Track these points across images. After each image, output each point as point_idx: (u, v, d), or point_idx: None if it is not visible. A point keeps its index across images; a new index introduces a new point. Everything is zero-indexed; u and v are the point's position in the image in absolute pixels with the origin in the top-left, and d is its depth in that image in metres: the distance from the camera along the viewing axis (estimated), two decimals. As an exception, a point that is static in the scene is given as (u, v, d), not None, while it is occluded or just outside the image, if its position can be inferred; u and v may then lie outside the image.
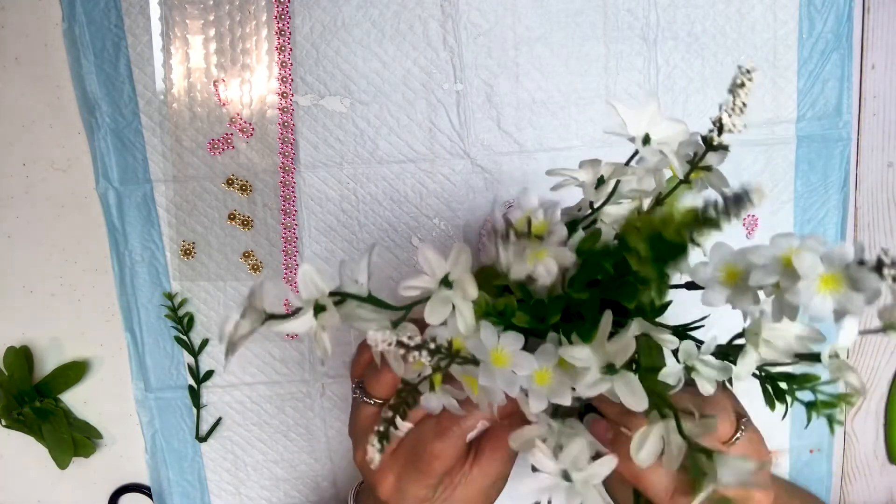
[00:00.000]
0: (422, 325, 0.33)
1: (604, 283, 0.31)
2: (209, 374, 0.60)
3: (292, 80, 0.56)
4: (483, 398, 0.32)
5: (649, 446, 0.31)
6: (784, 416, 0.35)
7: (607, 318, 0.30)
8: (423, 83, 0.55)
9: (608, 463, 0.31)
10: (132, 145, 0.57)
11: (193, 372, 0.60)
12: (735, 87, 0.29)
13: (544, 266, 0.30)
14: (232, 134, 0.56)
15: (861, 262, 0.26)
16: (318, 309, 0.30)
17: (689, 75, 0.55)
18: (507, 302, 0.32)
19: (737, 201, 0.26)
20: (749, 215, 0.57)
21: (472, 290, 0.32)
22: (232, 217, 0.58)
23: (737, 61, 0.55)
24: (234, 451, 0.62)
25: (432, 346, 0.28)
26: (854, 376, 0.32)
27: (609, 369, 0.31)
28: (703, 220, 0.27)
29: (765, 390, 0.36)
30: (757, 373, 0.36)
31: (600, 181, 0.34)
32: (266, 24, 0.55)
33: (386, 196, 0.57)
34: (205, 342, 0.60)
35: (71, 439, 0.60)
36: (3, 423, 0.60)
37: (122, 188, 0.57)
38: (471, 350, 0.31)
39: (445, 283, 0.31)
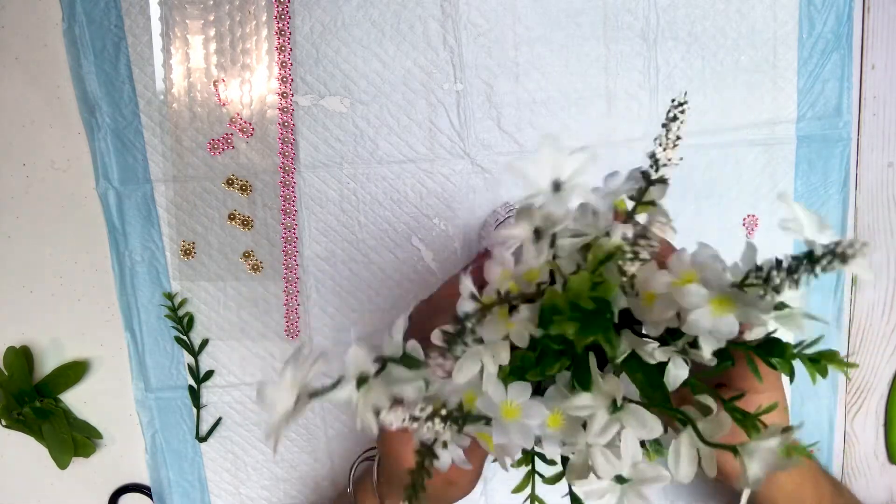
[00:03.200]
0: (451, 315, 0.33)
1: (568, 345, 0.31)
2: (209, 374, 0.60)
3: (292, 80, 0.56)
4: (500, 454, 0.32)
5: (684, 459, 0.31)
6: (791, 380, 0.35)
7: (592, 362, 0.31)
8: (423, 83, 0.55)
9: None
10: (132, 145, 0.57)
11: (193, 372, 0.60)
12: (668, 122, 0.30)
13: (517, 334, 0.30)
14: (232, 134, 0.56)
15: (742, 284, 0.26)
16: (361, 381, 0.30)
17: (689, 75, 0.55)
18: (523, 355, 0.32)
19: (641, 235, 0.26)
20: (749, 215, 0.57)
21: (505, 355, 0.31)
22: (232, 217, 0.58)
23: (737, 61, 0.55)
24: (234, 451, 0.62)
25: (443, 412, 0.28)
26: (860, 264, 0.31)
27: (613, 407, 0.30)
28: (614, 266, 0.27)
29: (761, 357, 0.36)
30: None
31: (537, 234, 0.34)
32: (266, 24, 0.55)
33: (386, 196, 0.57)
34: (205, 342, 0.60)
35: (71, 439, 0.60)
36: (3, 423, 0.60)
37: (122, 188, 0.57)
38: (480, 408, 0.31)
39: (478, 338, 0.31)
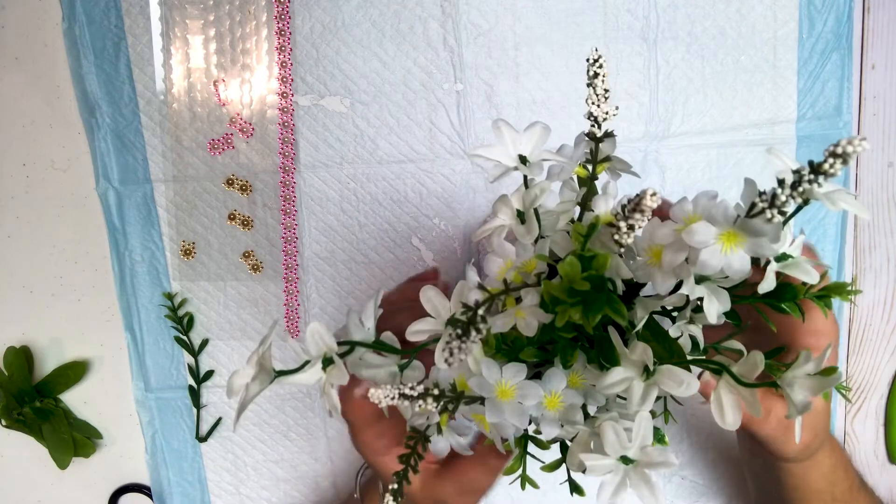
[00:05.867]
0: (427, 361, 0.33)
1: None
2: (209, 374, 0.60)
3: (292, 80, 0.56)
4: (495, 434, 0.32)
5: (727, 405, 0.31)
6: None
7: (615, 336, 0.30)
8: (423, 83, 0.55)
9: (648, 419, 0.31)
10: (132, 145, 0.57)
11: (193, 372, 0.60)
12: (591, 79, 0.30)
13: (525, 323, 0.30)
14: (232, 134, 0.56)
15: (749, 213, 0.26)
16: (327, 362, 0.30)
17: (689, 75, 0.55)
18: (516, 334, 0.32)
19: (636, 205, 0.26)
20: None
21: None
22: (232, 217, 0.58)
23: (737, 61, 0.55)
24: (234, 451, 0.62)
25: (436, 392, 0.28)
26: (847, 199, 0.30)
27: (647, 373, 0.30)
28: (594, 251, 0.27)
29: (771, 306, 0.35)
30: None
31: (520, 216, 0.34)
32: (266, 24, 0.55)
33: (386, 196, 0.57)
34: (205, 342, 0.60)
35: (71, 439, 0.60)
36: (3, 423, 0.60)
37: (122, 188, 0.57)
38: (474, 389, 0.31)
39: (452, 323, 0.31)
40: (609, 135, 0.31)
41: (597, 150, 0.31)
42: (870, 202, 0.58)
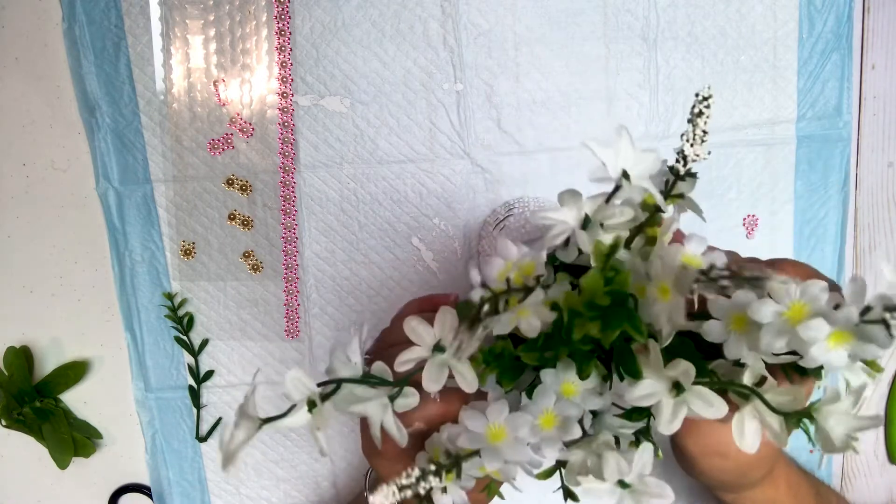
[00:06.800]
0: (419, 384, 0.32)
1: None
2: (209, 374, 0.60)
3: (292, 80, 0.56)
4: (507, 477, 0.32)
5: (749, 429, 0.30)
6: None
7: (654, 351, 0.29)
8: (423, 83, 0.55)
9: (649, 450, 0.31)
10: (132, 145, 0.57)
11: (193, 372, 0.60)
12: (693, 117, 0.29)
13: (527, 322, 0.30)
14: (232, 134, 0.56)
15: (865, 316, 0.26)
16: (312, 405, 0.30)
17: (689, 75, 0.55)
18: (503, 345, 0.31)
19: None
20: (749, 215, 0.57)
21: (469, 349, 0.31)
22: (232, 217, 0.58)
23: (737, 61, 0.55)
24: (234, 451, 0.62)
25: (433, 467, 0.28)
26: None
27: (678, 388, 0.30)
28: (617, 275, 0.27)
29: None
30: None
31: (586, 221, 0.33)
32: (266, 24, 0.55)
33: (386, 196, 0.57)
34: (205, 342, 0.60)
35: (71, 439, 0.60)
36: (3, 423, 0.60)
37: (122, 188, 0.57)
38: (467, 445, 0.30)
39: (438, 348, 0.31)
40: (691, 175, 0.30)
41: (674, 185, 0.31)
42: (870, 202, 0.58)
